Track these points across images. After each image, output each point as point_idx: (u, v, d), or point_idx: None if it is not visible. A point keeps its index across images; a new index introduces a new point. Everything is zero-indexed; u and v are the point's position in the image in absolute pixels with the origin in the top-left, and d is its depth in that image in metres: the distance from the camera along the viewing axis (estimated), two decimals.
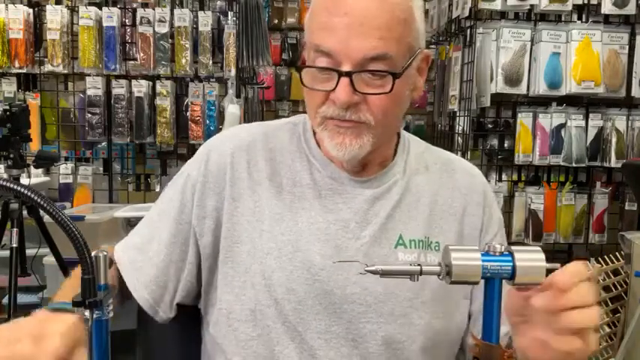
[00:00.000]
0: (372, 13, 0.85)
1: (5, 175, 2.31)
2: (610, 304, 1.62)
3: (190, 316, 1.01)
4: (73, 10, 3.18)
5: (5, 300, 2.20)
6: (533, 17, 3.32)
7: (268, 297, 0.92)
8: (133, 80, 3.18)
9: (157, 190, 3.42)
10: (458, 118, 3.39)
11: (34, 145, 2.91)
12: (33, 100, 3.20)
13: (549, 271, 0.68)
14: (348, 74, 0.85)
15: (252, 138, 1.01)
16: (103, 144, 3.37)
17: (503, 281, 0.68)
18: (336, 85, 0.86)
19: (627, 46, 3.26)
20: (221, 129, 3.09)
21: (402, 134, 1.05)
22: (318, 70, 0.88)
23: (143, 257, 0.97)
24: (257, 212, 0.95)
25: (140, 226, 1.02)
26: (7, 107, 2.30)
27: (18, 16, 3.08)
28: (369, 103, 0.88)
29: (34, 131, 2.90)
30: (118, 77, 3.18)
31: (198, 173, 0.98)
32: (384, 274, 0.69)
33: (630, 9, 3.18)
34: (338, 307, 0.92)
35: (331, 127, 0.90)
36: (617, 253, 1.65)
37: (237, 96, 3.13)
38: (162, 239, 0.97)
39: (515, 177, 3.52)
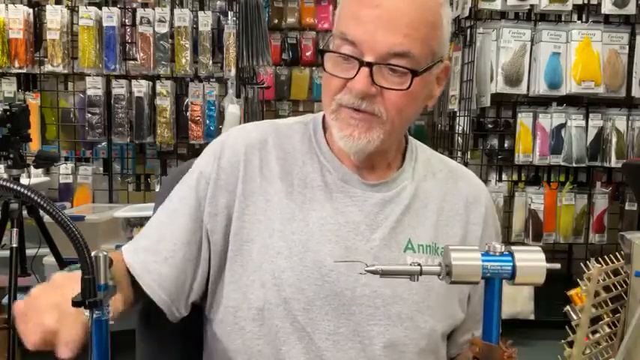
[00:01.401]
0: (403, 9, 0.87)
1: (5, 175, 2.31)
2: (610, 304, 1.62)
3: (191, 314, 1.00)
4: (73, 10, 3.19)
5: (5, 300, 2.20)
6: (533, 17, 3.32)
7: (277, 296, 0.91)
8: (133, 80, 3.18)
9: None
10: (458, 118, 3.39)
11: (34, 145, 2.91)
12: (33, 100, 3.20)
13: (549, 271, 0.68)
14: (369, 65, 0.86)
15: (264, 137, 1.00)
16: (103, 144, 3.37)
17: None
18: (356, 74, 0.87)
19: (627, 46, 3.27)
20: (221, 129, 3.10)
21: (409, 140, 1.05)
22: (340, 57, 0.89)
23: (156, 258, 0.94)
24: (268, 211, 0.95)
25: (147, 229, 1.00)
26: (7, 107, 2.30)
27: (18, 16, 3.08)
28: (384, 97, 0.89)
29: (34, 131, 2.90)
30: (118, 77, 3.18)
31: (211, 170, 0.97)
32: (384, 273, 0.68)
33: (630, 9, 3.18)
34: (347, 308, 0.92)
35: (343, 117, 0.91)
36: (617, 253, 1.65)
37: (237, 96, 3.13)
38: (178, 238, 0.95)
39: (515, 177, 3.52)
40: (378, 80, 0.87)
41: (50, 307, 0.73)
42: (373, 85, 0.87)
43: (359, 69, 0.87)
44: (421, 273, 0.68)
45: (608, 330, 1.65)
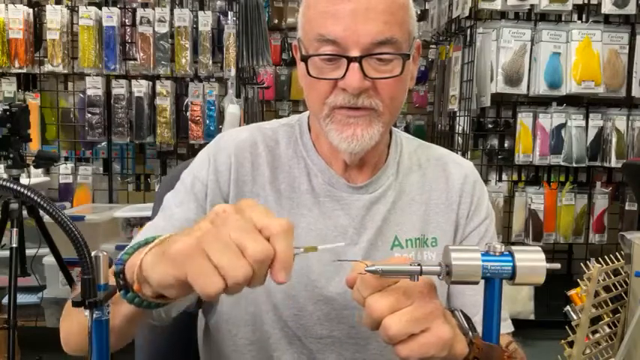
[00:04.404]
0: None
1: (5, 175, 2.31)
2: (610, 304, 1.62)
3: (185, 321, 1.00)
4: (73, 10, 3.19)
5: (5, 300, 2.19)
6: (534, 17, 3.32)
7: (267, 302, 0.91)
8: (132, 80, 3.18)
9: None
10: (458, 118, 3.39)
11: (34, 145, 2.91)
12: (33, 100, 3.20)
13: (549, 271, 0.68)
14: (358, 59, 0.84)
15: (254, 140, 0.99)
16: (103, 144, 3.37)
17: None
18: (346, 72, 0.84)
19: (627, 46, 3.27)
20: (221, 129, 3.09)
21: (393, 132, 1.04)
22: (323, 59, 0.87)
23: None
24: None
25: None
26: (7, 107, 2.30)
27: (18, 16, 3.08)
28: (377, 88, 0.87)
29: (34, 131, 2.90)
30: (117, 77, 3.19)
31: (208, 173, 0.95)
32: (384, 273, 0.68)
33: (630, 9, 3.18)
34: (339, 312, 0.92)
35: (339, 119, 0.88)
36: (617, 253, 1.65)
37: (237, 96, 3.13)
38: None
39: (515, 177, 3.52)
40: (369, 72, 0.85)
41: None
42: (366, 79, 0.85)
43: (348, 66, 0.84)
44: (421, 273, 0.67)
45: (608, 330, 1.65)
